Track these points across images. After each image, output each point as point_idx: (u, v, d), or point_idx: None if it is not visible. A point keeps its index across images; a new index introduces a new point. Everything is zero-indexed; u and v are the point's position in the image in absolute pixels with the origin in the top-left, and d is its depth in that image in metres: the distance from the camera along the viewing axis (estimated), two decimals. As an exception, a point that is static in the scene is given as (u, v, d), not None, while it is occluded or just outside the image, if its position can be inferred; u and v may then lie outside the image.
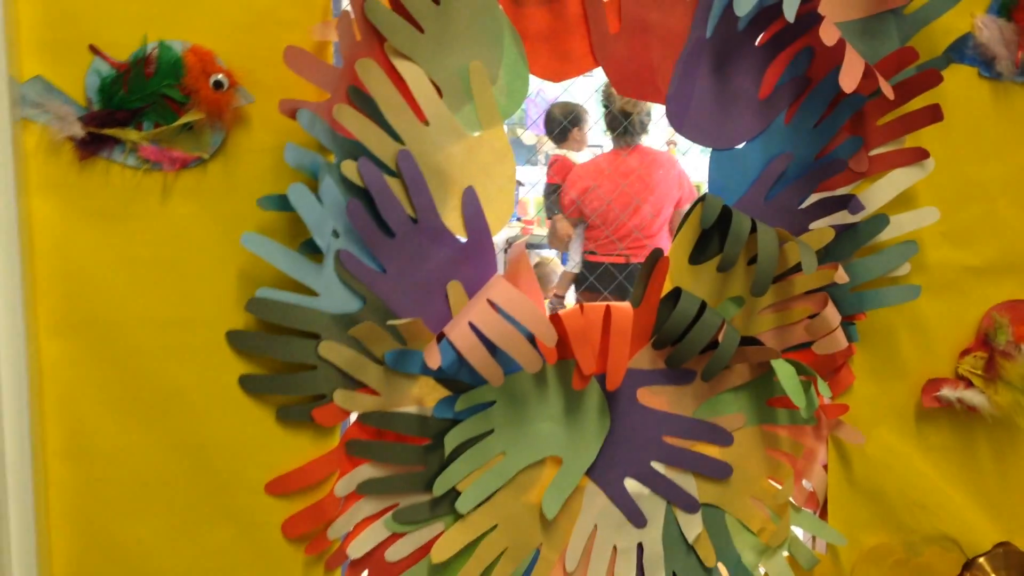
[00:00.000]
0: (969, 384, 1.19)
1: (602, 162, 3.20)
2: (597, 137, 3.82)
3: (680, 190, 3.11)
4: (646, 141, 3.12)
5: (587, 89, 3.23)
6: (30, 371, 0.96)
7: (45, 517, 0.99)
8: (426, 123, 1.02)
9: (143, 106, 0.96)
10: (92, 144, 0.96)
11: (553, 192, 3.36)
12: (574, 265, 3.33)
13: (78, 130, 0.94)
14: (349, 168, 0.99)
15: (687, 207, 3.09)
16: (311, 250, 1.01)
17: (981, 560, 1.23)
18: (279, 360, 1.02)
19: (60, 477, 1.00)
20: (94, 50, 0.94)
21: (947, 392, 1.19)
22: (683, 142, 1.13)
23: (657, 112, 2.99)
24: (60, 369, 0.99)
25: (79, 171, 0.97)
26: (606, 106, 3.07)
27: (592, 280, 3.14)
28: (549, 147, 3.73)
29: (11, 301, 0.93)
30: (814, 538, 1.26)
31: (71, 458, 1.00)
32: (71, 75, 0.95)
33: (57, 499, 1.00)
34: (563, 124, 3.56)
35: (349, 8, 0.98)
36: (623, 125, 2.99)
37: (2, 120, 0.91)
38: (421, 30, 1.00)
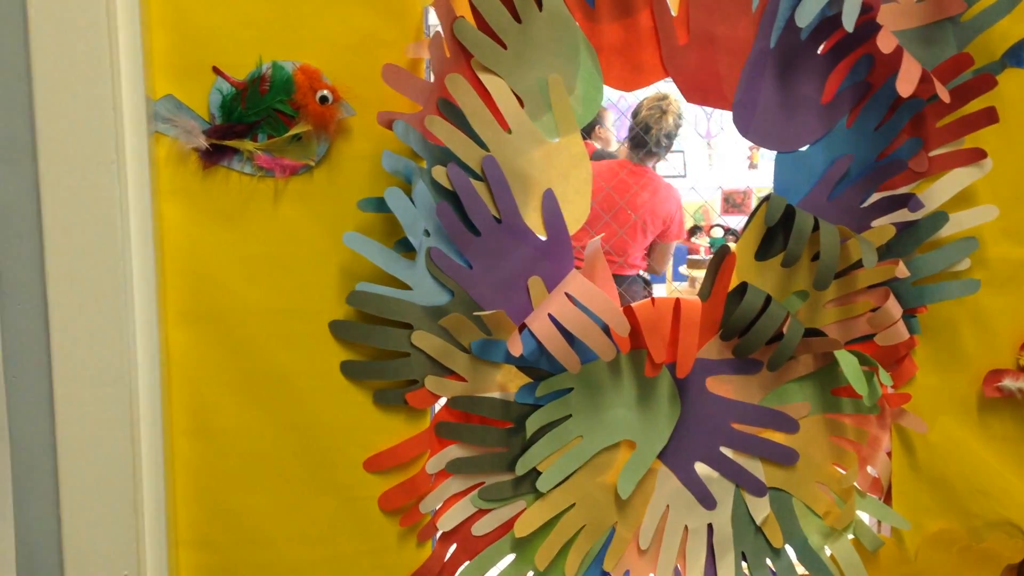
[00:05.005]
0: (1030, 375, 1.22)
1: (597, 168, 3.03)
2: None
3: (664, 226, 2.94)
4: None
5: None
6: (161, 357, 1.05)
7: (172, 487, 1.08)
8: (509, 131, 1.08)
9: (258, 120, 1.04)
10: (214, 154, 1.04)
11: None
12: None
13: (202, 142, 1.03)
14: (439, 173, 1.06)
15: (670, 244, 3.01)
16: (405, 248, 1.08)
17: (1045, 546, 1.24)
18: (376, 348, 1.09)
19: (184, 452, 1.09)
20: (216, 71, 1.03)
21: (1008, 382, 1.21)
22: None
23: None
24: (185, 355, 1.07)
25: (202, 178, 1.05)
26: (634, 116, 2.98)
27: None
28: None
29: (146, 294, 1.02)
30: (879, 522, 1.29)
31: (194, 435, 1.08)
32: (197, 93, 1.03)
33: (182, 472, 1.09)
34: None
35: (440, 28, 1.05)
36: (634, 138, 2.88)
37: (139, 134, 1.00)
38: (504, 47, 1.07)
